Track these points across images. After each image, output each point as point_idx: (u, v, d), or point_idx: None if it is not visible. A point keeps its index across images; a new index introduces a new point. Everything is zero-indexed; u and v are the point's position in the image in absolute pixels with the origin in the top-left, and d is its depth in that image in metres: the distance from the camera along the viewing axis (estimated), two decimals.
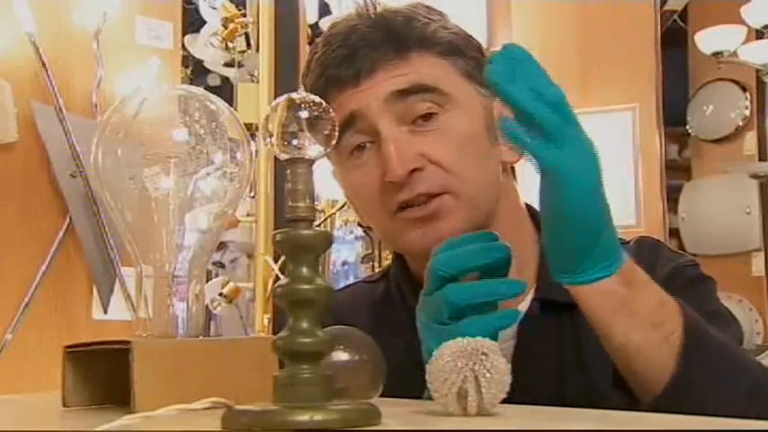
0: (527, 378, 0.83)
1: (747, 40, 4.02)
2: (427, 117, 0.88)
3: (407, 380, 0.74)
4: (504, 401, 0.62)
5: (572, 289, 0.73)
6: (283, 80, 2.28)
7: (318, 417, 0.52)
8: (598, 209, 0.70)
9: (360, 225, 3.81)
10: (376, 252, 3.08)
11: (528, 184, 0.95)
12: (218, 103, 0.76)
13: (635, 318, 0.72)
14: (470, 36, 0.95)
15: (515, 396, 0.63)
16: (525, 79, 0.67)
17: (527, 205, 0.98)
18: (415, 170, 0.86)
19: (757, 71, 4.23)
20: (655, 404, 0.72)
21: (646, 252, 0.93)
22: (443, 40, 0.92)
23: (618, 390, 0.76)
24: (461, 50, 0.92)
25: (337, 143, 0.89)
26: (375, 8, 0.94)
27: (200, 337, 0.74)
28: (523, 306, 0.92)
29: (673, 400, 0.71)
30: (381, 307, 1.02)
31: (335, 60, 0.90)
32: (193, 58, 3.75)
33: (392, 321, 0.95)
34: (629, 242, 0.95)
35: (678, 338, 0.73)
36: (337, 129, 0.58)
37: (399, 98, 0.88)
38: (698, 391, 0.71)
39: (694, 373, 0.72)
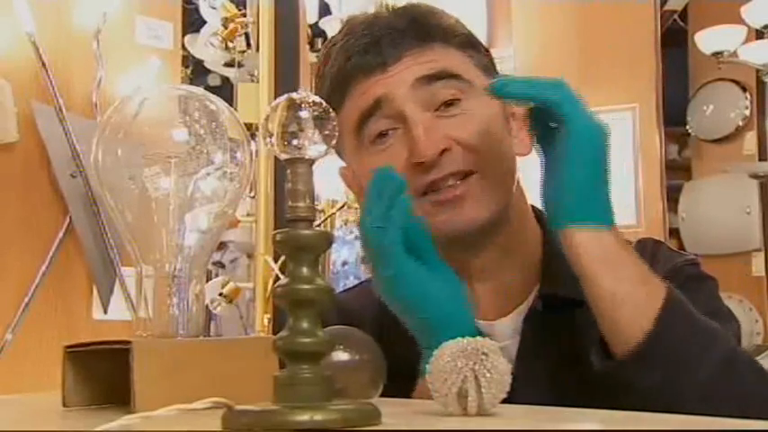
0: (530, 374, 0.83)
1: (747, 40, 4.01)
2: (450, 103, 0.90)
3: (413, 378, 0.74)
4: (505, 399, 0.62)
5: (571, 234, 0.78)
6: (283, 80, 2.28)
7: (318, 417, 0.52)
8: (606, 159, 0.78)
9: None
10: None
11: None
12: (218, 103, 0.76)
13: (624, 270, 0.77)
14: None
15: (518, 393, 0.63)
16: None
17: (532, 206, 0.99)
18: (444, 150, 0.88)
19: (757, 71, 4.22)
20: (628, 358, 0.75)
21: (646, 251, 0.94)
22: (461, 33, 0.95)
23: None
24: (476, 45, 0.96)
25: (359, 130, 0.91)
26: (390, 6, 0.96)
27: (200, 337, 0.74)
28: (526, 304, 0.93)
29: (646, 355, 0.74)
30: (387, 307, 1.02)
31: (361, 48, 0.91)
32: (193, 58, 3.75)
33: (397, 321, 0.95)
34: (629, 243, 0.96)
35: (660, 299, 0.76)
36: (337, 130, 0.58)
37: (425, 84, 0.89)
38: (671, 350, 0.74)
39: (670, 332, 0.75)
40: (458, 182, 0.88)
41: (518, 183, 0.97)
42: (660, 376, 0.74)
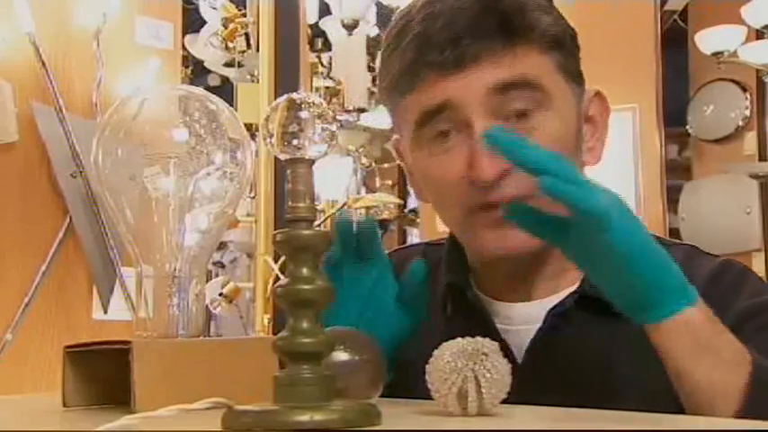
0: (537, 368, 0.80)
1: (747, 40, 4.01)
2: (522, 114, 0.84)
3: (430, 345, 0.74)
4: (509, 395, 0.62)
5: (653, 329, 0.70)
6: (283, 80, 2.28)
7: (318, 417, 0.52)
8: (653, 241, 0.69)
9: None
10: None
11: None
12: (218, 103, 0.76)
13: (719, 354, 0.70)
14: (567, 24, 0.91)
15: (519, 385, 0.63)
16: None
17: None
18: (504, 172, 0.82)
19: (757, 71, 4.22)
20: None
21: (727, 277, 0.87)
22: (551, 33, 0.87)
23: None
24: (564, 45, 0.89)
25: (420, 126, 0.86)
26: None
27: (201, 337, 0.74)
28: (557, 296, 0.88)
29: None
30: (428, 269, 0.97)
31: (438, 41, 0.84)
32: (193, 58, 3.75)
33: (431, 283, 0.93)
34: (669, 244, 0.90)
35: (749, 375, 0.70)
36: (336, 136, 0.58)
37: (500, 92, 0.83)
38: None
39: (761, 412, 0.67)
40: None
41: None
42: None
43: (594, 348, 0.85)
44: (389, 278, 0.86)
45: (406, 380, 0.76)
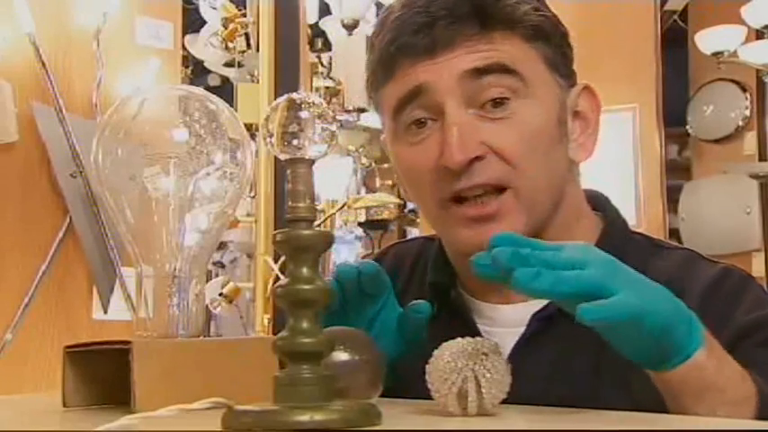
0: (520, 372, 0.80)
1: (747, 40, 4.01)
2: (498, 103, 0.82)
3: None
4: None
5: (659, 374, 0.68)
6: (283, 80, 2.28)
7: (318, 417, 0.52)
8: (651, 286, 0.66)
9: (360, 225, 3.81)
10: (376, 252, 3.09)
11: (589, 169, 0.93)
12: (218, 103, 0.76)
13: (725, 393, 0.68)
14: (558, 21, 0.89)
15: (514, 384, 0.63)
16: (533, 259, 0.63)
17: (587, 192, 0.93)
18: (475, 158, 0.81)
19: (757, 71, 4.22)
20: None
21: (728, 285, 0.85)
22: (532, 23, 0.85)
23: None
24: (548, 36, 0.86)
25: (396, 114, 0.86)
26: None
27: (201, 337, 0.74)
28: (542, 300, 0.85)
29: None
30: (423, 264, 0.98)
31: (412, 27, 0.83)
32: (193, 58, 3.75)
33: (422, 280, 0.94)
34: (669, 247, 0.91)
35: (755, 408, 0.69)
36: (336, 136, 0.58)
37: (474, 77, 0.82)
38: None
39: None
40: (489, 197, 0.82)
41: (575, 180, 0.90)
42: None
43: (579, 352, 0.82)
44: (393, 304, 0.84)
45: (400, 382, 0.77)
